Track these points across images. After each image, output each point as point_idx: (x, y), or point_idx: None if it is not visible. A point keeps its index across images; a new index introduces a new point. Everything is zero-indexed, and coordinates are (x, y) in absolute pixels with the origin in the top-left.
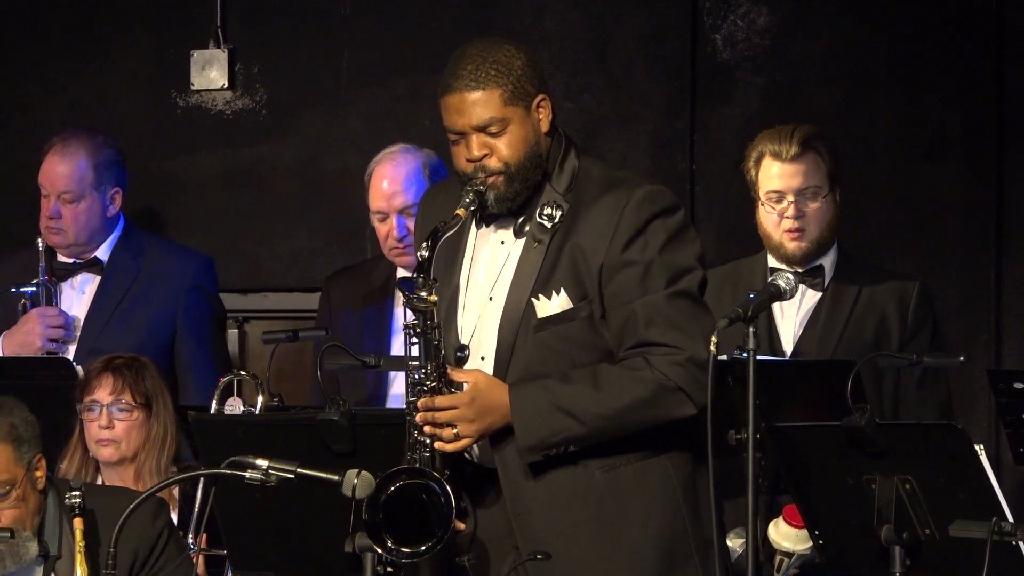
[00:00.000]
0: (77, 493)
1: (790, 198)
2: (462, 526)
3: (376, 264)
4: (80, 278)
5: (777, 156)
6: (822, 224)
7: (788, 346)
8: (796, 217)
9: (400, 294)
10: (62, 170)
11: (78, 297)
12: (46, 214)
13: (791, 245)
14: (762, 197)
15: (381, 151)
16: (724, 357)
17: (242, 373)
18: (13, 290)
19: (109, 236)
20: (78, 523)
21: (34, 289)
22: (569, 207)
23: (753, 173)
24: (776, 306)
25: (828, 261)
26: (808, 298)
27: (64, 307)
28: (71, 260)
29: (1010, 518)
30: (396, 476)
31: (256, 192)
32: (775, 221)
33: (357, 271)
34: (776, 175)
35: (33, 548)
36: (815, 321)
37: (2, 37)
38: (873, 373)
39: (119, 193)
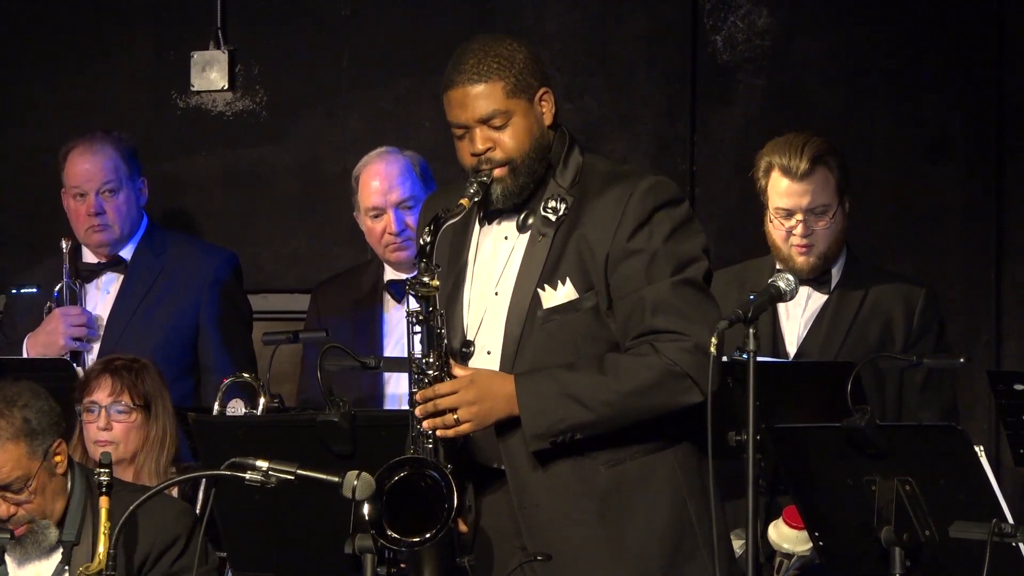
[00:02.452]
0: (105, 471)
1: (799, 217)
2: (464, 528)
3: (364, 269)
4: (104, 278)
5: (786, 172)
6: (830, 240)
7: (792, 347)
8: (805, 235)
9: (389, 297)
10: (97, 165)
11: (102, 297)
12: (88, 213)
13: (800, 260)
14: (770, 211)
15: (365, 156)
16: (724, 358)
17: (244, 375)
18: (14, 291)
19: (135, 234)
20: (104, 502)
21: (29, 289)
22: (574, 200)
23: (763, 183)
24: (782, 308)
25: (836, 266)
26: (814, 300)
27: (89, 307)
28: (96, 261)
29: (1010, 519)
30: (398, 467)
31: (256, 193)
32: (783, 236)
33: (345, 278)
34: (785, 192)
35: (52, 534)
36: (820, 323)
37: (2, 38)
38: (876, 377)
39: (145, 183)
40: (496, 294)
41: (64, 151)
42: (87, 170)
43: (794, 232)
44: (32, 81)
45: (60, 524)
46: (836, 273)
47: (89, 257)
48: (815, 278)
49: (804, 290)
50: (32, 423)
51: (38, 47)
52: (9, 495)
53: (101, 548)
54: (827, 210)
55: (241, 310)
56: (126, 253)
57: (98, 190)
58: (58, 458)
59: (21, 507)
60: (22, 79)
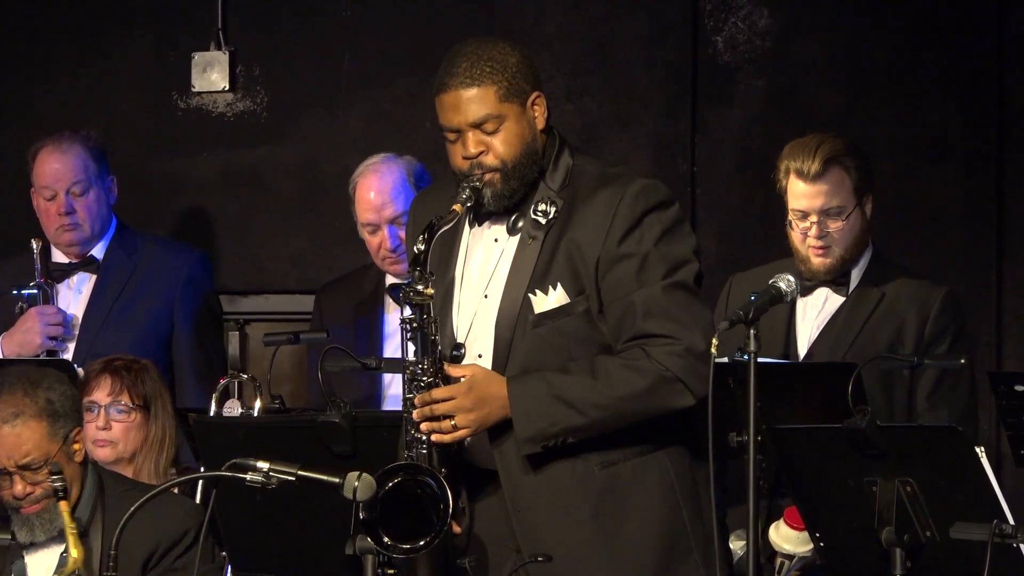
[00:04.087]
0: (57, 477)
1: (813, 218)
2: (459, 529)
3: (367, 272)
4: (76, 278)
5: (800, 175)
6: (847, 241)
7: (803, 348)
8: (820, 236)
9: (390, 300)
10: (66, 165)
11: (75, 297)
12: (58, 212)
13: (816, 261)
14: (789, 213)
15: (363, 163)
16: (724, 359)
17: (242, 375)
18: (14, 292)
19: (106, 233)
20: (63, 506)
21: (31, 291)
22: (564, 203)
23: (783, 184)
24: (799, 309)
25: (857, 267)
26: (831, 302)
27: (62, 307)
28: (67, 260)
29: (1011, 520)
30: (393, 472)
31: (257, 194)
32: (800, 238)
33: (348, 280)
34: (799, 195)
35: (65, 519)
36: (832, 325)
37: (3, 39)
38: (883, 380)
39: (115, 181)
40: (486, 297)
41: (32, 151)
42: (57, 170)
43: (809, 234)
44: (32, 81)
45: (72, 513)
46: (856, 275)
47: (59, 257)
48: (833, 279)
49: (823, 291)
50: (55, 405)
51: (38, 47)
52: (28, 474)
53: (74, 552)
54: (842, 211)
55: (213, 310)
56: (97, 252)
57: (68, 189)
58: (76, 446)
59: (38, 487)
60: (22, 79)
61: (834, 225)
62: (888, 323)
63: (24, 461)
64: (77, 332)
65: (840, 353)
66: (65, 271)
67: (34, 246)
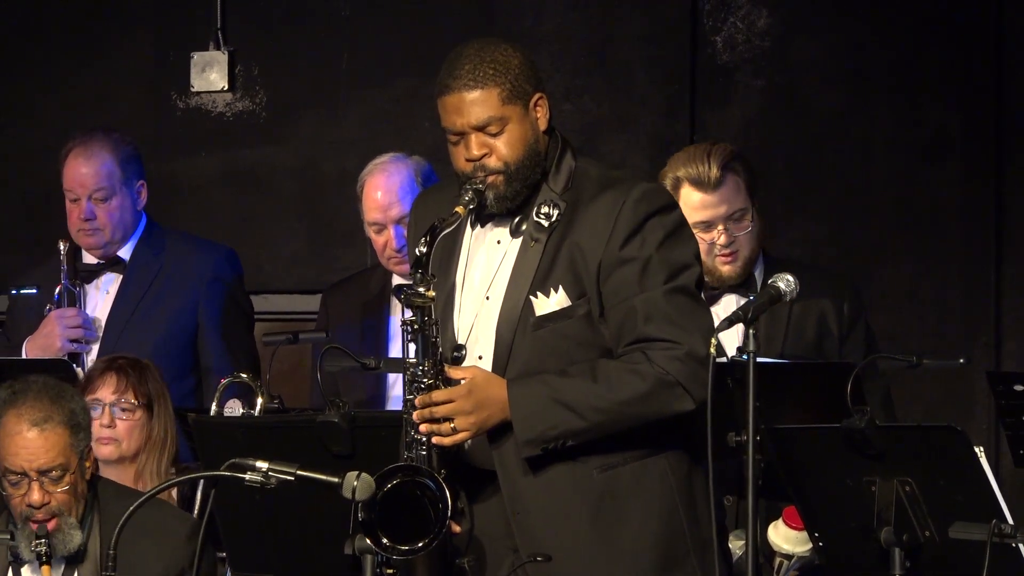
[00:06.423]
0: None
1: (720, 227)
2: (458, 528)
3: (373, 273)
4: (104, 278)
5: (698, 185)
6: (752, 242)
7: (731, 352)
8: (728, 244)
9: (396, 301)
10: (90, 170)
11: (102, 297)
12: (79, 217)
13: (726, 269)
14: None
15: (371, 161)
16: (723, 359)
17: (242, 375)
18: (14, 292)
19: (132, 235)
20: None
21: (29, 290)
22: (566, 206)
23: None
24: (712, 316)
25: (757, 269)
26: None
27: (89, 308)
28: (95, 261)
29: (1010, 520)
30: (392, 474)
31: (256, 194)
32: (705, 248)
33: (354, 281)
34: (700, 205)
35: (77, 537)
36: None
37: (2, 39)
38: None
39: (144, 185)
40: (488, 298)
41: (64, 151)
42: (81, 175)
43: (716, 242)
44: (32, 81)
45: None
46: (759, 276)
47: (88, 258)
48: (741, 284)
49: (730, 298)
50: (78, 416)
51: (38, 47)
52: (46, 482)
53: None
54: (744, 214)
55: (242, 307)
56: (124, 253)
57: (90, 196)
58: (88, 463)
59: (53, 497)
60: (22, 79)
61: (740, 229)
62: (809, 314)
63: (46, 467)
64: (101, 333)
65: (776, 351)
66: (93, 272)
67: (61, 247)
